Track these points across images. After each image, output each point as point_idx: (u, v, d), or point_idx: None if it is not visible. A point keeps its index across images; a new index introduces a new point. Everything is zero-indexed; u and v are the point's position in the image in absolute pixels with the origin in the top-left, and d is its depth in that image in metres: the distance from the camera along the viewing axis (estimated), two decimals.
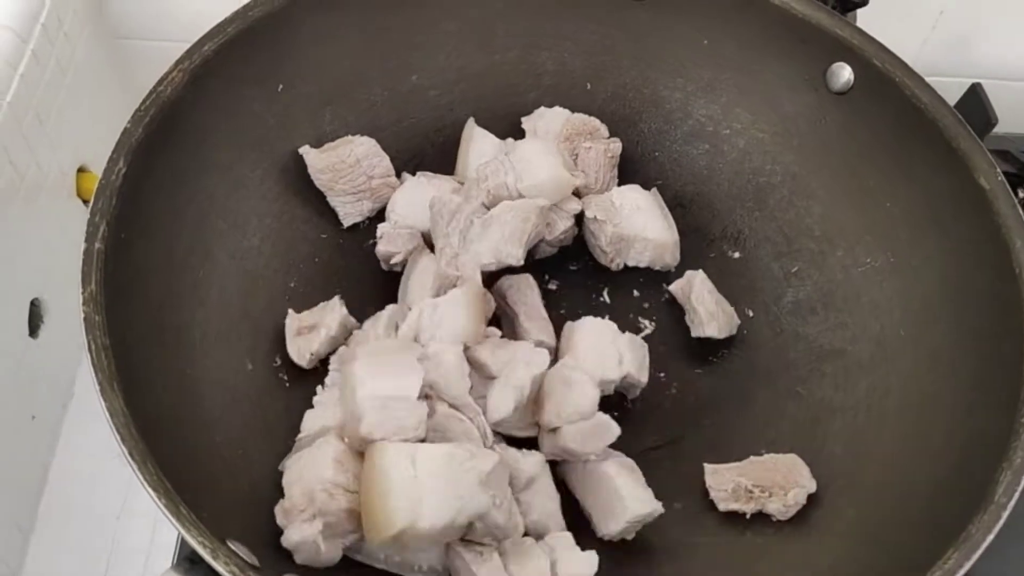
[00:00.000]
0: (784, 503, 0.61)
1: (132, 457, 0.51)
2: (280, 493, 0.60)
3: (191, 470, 0.55)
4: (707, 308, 0.72)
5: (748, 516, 0.63)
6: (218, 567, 0.48)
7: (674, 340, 0.74)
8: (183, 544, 0.67)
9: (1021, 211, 0.64)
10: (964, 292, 0.65)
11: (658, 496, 0.62)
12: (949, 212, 0.68)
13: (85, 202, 0.91)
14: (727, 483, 0.63)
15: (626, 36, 0.80)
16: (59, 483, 0.84)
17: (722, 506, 0.64)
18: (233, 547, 0.50)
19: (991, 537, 0.52)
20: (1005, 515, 0.53)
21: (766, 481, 0.62)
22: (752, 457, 0.65)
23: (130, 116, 0.63)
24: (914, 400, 0.64)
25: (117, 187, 0.60)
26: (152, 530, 0.83)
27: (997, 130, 0.83)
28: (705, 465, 0.65)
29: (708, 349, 0.73)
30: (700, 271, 0.74)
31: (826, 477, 0.63)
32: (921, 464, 0.60)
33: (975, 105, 0.83)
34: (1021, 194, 0.80)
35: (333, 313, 0.68)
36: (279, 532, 0.58)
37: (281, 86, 0.73)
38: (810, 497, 0.62)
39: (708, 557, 0.63)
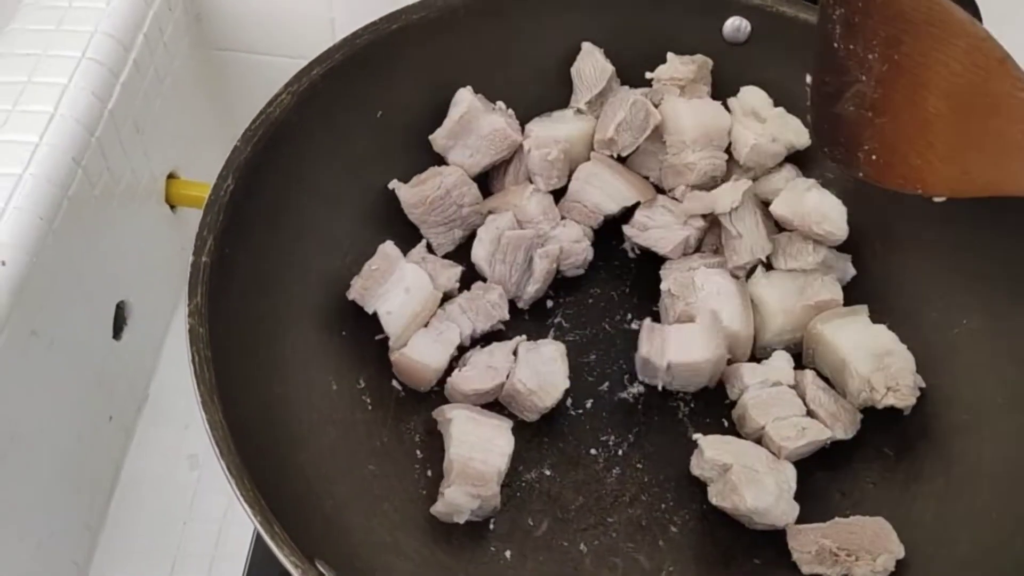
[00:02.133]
0: (872, 569, 0.60)
1: (230, 472, 0.52)
2: (362, 521, 0.61)
3: (280, 488, 0.56)
4: (827, 410, 0.68)
5: None
6: None
7: None
8: (255, 555, 0.68)
9: None
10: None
11: (736, 552, 0.62)
12: None
13: (173, 208, 0.92)
14: (811, 545, 0.62)
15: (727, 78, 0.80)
16: (129, 485, 0.85)
17: (805, 569, 0.62)
18: (321, 567, 0.51)
19: None
20: None
21: (852, 545, 0.61)
22: (837, 518, 0.64)
23: (240, 136, 0.65)
24: (1009, 469, 0.63)
25: (224, 203, 0.62)
26: (217, 536, 0.84)
27: None
28: (788, 525, 0.64)
29: None
30: (808, 372, 0.70)
31: (914, 543, 0.62)
32: (1015, 536, 0.59)
33: None
34: None
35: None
36: (359, 555, 0.59)
37: (380, 112, 0.75)
38: (898, 564, 0.61)
39: None
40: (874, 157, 0.63)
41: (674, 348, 0.68)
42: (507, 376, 0.68)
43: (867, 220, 0.76)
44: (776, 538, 0.65)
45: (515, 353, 0.70)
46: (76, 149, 0.73)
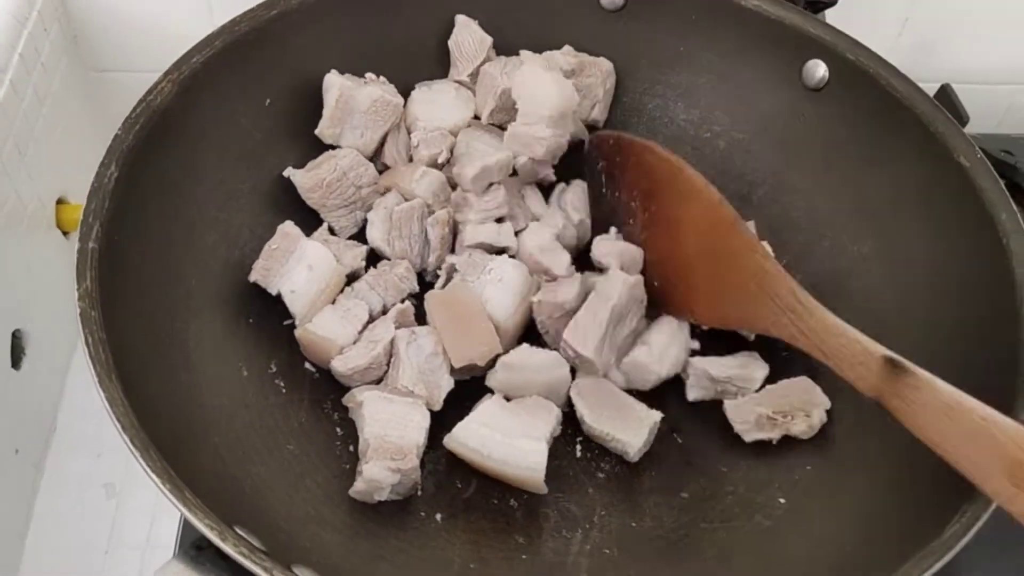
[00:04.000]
0: (809, 424, 0.65)
1: (134, 445, 0.50)
2: (283, 497, 0.59)
3: (193, 467, 0.53)
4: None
5: (775, 442, 0.64)
6: (227, 549, 0.47)
7: None
8: (183, 536, 0.66)
9: (1003, 186, 0.66)
10: (953, 268, 0.67)
11: (663, 490, 0.63)
12: (932, 193, 0.69)
13: (65, 233, 0.90)
14: (749, 415, 0.65)
15: (604, 47, 0.81)
16: (44, 519, 0.81)
17: (748, 437, 0.66)
18: (240, 532, 0.49)
19: None
20: None
21: (785, 407, 0.65)
22: (767, 386, 0.67)
23: (120, 124, 0.63)
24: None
25: (109, 190, 0.60)
26: (141, 563, 0.80)
27: (968, 130, 0.85)
28: (725, 402, 0.67)
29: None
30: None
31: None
32: None
33: (946, 105, 0.85)
34: None
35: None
36: (282, 528, 0.57)
37: (269, 100, 0.74)
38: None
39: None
40: (656, 284, 0.69)
41: None
42: (387, 349, 0.67)
43: (761, 168, 0.79)
44: (705, 470, 0.65)
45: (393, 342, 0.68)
46: None
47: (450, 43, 0.79)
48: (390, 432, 0.62)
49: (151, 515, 0.83)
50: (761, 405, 0.65)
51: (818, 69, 0.76)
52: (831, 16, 0.82)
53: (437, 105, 0.78)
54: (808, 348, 0.60)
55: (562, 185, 0.78)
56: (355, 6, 0.76)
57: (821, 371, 0.68)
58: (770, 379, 0.68)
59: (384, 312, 0.71)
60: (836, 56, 0.74)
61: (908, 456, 0.59)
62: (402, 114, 0.77)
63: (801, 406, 0.65)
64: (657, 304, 0.69)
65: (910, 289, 0.69)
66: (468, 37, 0.78)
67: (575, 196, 0.77)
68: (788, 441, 0.66)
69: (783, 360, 0.69)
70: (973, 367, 0.61)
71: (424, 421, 0.64)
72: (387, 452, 0.61)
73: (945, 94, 0.90)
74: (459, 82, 0.79)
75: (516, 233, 0.74)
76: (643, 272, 0.68)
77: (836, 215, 0.75)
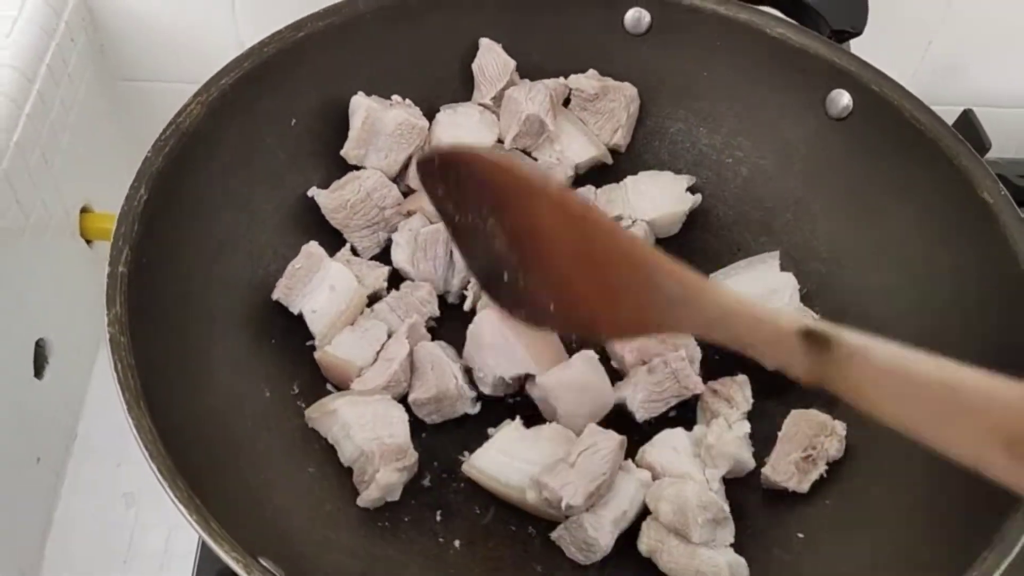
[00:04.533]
0: (839, 439, 0.66)
1: (161, 473, 0.50)
2: (304, 523, 0.60)
3: (216, 493, 0.54)
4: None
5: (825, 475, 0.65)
6: None
7: None
8: (203, 559, 0.66)
9: None
10: (975, 303, 0.67)
11: None
12: (954, 227, 0.69)
13: (88, 242, 0.91)
14: (788, 468, 0.65)
15: (627, 70, 0.82)
16: (64, 527, 0.82)
17: (805, 487, 0.65)
18: (265, 564, 0.50)
19: None
20: None
21: (806, 440, 0.65)
22: (778, 434, 0.67)
23: (150, 147, 0.64)
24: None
25: (139, 213, 0.61)
26: (159, 572, 0.81)
27: (990, 155, 0.85)
28: (763, 472, 0.66)
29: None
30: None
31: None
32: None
33: (968, 130, 0.85)
34: None
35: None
36: (305, 555, 0.57)
37: (294, 120, 0.74)
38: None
39: None
40: (552, 307, 0.55)
41: None
42: (404, 366, 0.67)
43: (783, 195, 0.79)
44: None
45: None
46: None
47: (474, 66, 0.80)
48: (381, 433, 0.63)
49: (170, 525, 0.83)
50: (789, 454, 0.65)
51: (842, 98, 0.76)
52: (855, 41, 0.82)
53: (462, 128, 0.78)
54: (726, 342, 0.48)
55: (627, 221, 0.77)
56: (381, 28, 0.77)
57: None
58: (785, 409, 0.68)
59: None
60: (860, 86, 0.74)
61: (928, 491, 0.60)
62: (427, 137, 0.77)
63: (819, 429, 0.66)
64: (561, 330, 0.64)
65: (932, 323, 0.69)
66: (492, 61, 0.79)
67: None
68: None
69: (799, 391, 0.70)
70: None
71: (403, 414, 0.65)
72: (391, 454, 0.62)
73: (967, 119, 0.89)
74: (483, 105, 0.80)
75: None
76: (536, 305, 0.56)
77: (858, 245, 0.75)
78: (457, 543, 0.63)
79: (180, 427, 0.56)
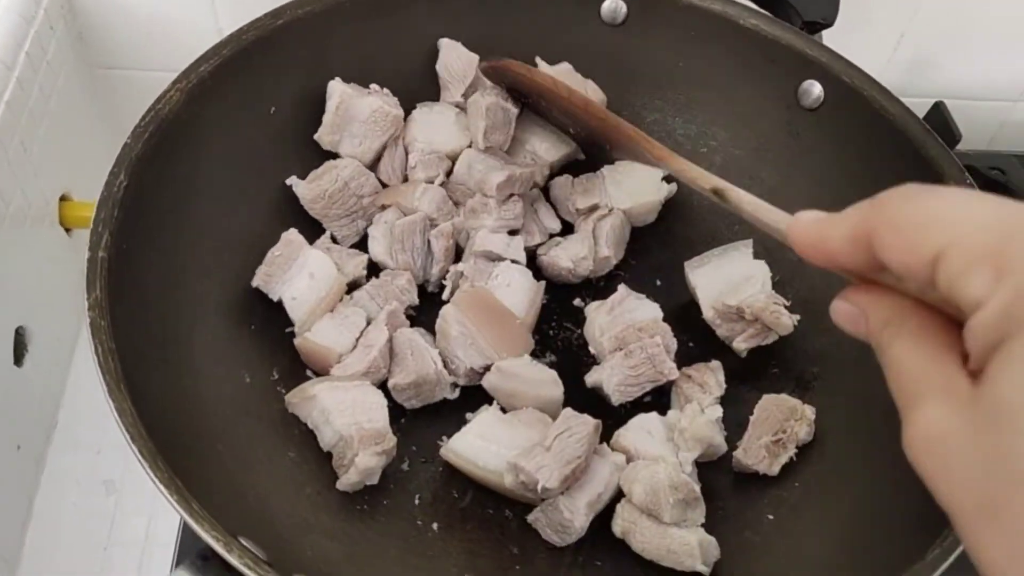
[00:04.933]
0: (808, 423, 0.68)
1: (142, 455, 0.51)
2: (285, 506, 0.61)
3: (198, 476, 0.55)
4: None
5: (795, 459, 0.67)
6: (232, 560, 0.49)
7: None
8: (184, 546, 0.67)
9: None
10: None
11: None
12: None
13: (68, 231, 0.91)
14: (759, 452, 0.66)
15: (604, 60, 0.83)
16: (44, 515, 0.83)
17: (775, 470, 0.67)
18: (245, 543, 0.51)
19: None
20: None
21: (776, 424, 0.67)
22: (750, 419, 0.68)
23: (130, 133, 0.64)
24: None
25: (119, 199, 0.61)
26: (140, 560, 0.82)
27: (960, 147, 0.87)
28: (734, 455, 0.68)
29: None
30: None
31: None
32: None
33: (939, 122, 0.87)
34: None
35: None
36: (285, 538, 0.58)
37: (273, 108, 0.75)
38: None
39: None
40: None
41: None
42: (384, 352, 0.68)
43: (756, 184, 0.80)
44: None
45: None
46: None
47: (438, 67, 0.80)
48: (360, 418, 0.64)
49: (150, 512, 0.84)
50: (760, 438, 0.66)
51: (813, 89, 0.77)
52: (828, 33, 0.84)
53: (436, 128, 0.79)
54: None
55: (603, 210, 0.79)
56: (360, 18, 0.77)
57: (812, 386, 0.71)
58: (757, 395, 0.70)
59: None
60: (831, 77, 0.76)
61: (893, 476, 0.61)
62: (401, 129, 0.78)
63: (789, 414, 0.67)
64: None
65: None
66: (455, 58, 0.79)
67: (612, 229, 0.78)
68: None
69: (771, 377, 0.72)
70: None
71: (381, 399, 0.66)
72: (370, 439, 0.63)
73: (939, 111, 0.91)
74: (457, 105, 0.80)
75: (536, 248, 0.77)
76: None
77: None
78: (435, 526, 0.64)
79: (161, 411, 0.57)
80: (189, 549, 0.68)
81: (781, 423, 0.67)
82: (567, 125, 0.79)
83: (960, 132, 0.88)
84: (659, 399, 0.72)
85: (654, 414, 0.69)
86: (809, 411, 0.68)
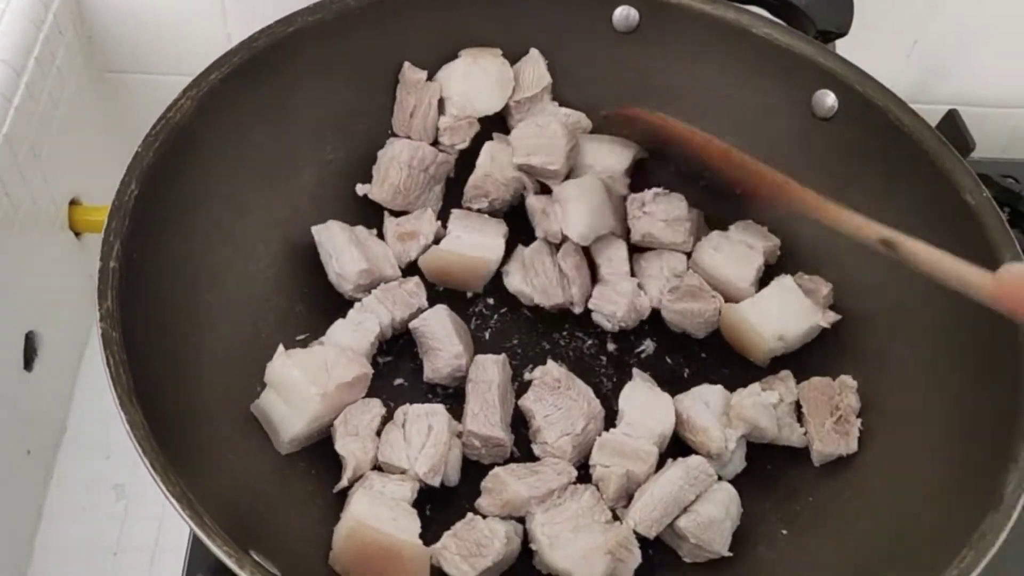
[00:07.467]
0: (855, 398, 0.69)
1: (155, 469, 0.51)
2: (295, 517, 0.61)
3: (208, 487, 0.55)
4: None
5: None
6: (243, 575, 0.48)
7: None
8: (195, 551, 0.67)
9: (1007, 225, 0.67)
10: (957, 303, 0.67)
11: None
12: (936, 229, 0.70)
13: (77, 235, 0.91)
14: (828, 433, 0.67)
15: (616, 67, 0.82)
16: (54, 520, 0.83)
17: (854, 445, 0.67)
18: (256, 558, 0.51)
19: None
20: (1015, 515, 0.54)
21: (831, 406, 0.69)
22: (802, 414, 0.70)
23: (141, 142, 0.64)
24: (914, 405, 0.66)
25: (130, 208, 0.61)
26: (150, 565, 0.82)
27: (974, 155, 0.86)
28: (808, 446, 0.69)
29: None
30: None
31: None
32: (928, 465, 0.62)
33: (952, 130, 0.86)
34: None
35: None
36: (294, 550, 0.58)
37: (284, 116, 0.75)
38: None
39: None
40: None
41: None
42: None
43: None
44: None
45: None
46: None
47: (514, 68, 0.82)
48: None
49: (160, 517, 0.84)
50: (823, 424, 0.68)
51: (827, 99, 0.76)
52: (841, 41, 0.83)
53: (475, 82, 0.80)
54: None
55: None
56: (372, 24, 0.77)
57: None
58: None
59: (393, 326, 0.72)
60: (845, 87, 0.75)
61: (910, 493, 0.61)
62: (438, 87, 0.80)
63: (832, 392, 0.69)
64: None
65: (912, 320, 0.70)
66: (531, 70, 0.82)
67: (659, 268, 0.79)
68: (789, 471, 0.67)
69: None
70: (977, 394, 0.63)
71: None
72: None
73: (952, 120, 0.91)
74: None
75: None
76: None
77: (840, 244, 0.75)
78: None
79: (172, 422, 0.57)
80: (200, 555, 0.68)
81: (831, 402, 0.68)
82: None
83: (974, 140, 0.88)
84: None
85: (719, 387, 0.71)
86: (848, 380, 0.70)
